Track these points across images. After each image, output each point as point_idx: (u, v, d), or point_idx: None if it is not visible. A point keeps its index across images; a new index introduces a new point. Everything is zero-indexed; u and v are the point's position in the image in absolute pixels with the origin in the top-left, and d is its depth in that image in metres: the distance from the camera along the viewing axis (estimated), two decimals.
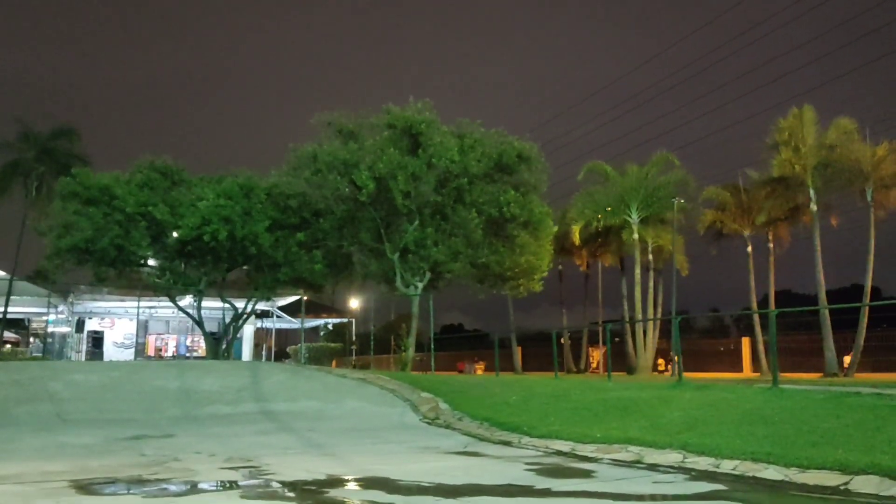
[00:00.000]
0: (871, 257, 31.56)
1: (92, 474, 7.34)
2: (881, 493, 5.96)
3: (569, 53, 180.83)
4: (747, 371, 37.00)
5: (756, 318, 36.06)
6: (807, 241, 33.80)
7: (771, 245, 36.58)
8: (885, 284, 54.09)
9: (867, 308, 30.79)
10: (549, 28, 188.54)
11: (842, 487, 6.24)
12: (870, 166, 31.20)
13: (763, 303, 38.07)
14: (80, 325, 42.06)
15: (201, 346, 37.49)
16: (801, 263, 39.41)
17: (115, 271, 27.71)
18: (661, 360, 39.48)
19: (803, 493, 6.25)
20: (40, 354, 38.04)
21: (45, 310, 37.81)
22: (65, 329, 41.08)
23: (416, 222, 25.24)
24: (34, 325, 45.30)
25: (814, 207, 32.58)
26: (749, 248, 36.79)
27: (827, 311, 31.17)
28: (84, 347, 41.64)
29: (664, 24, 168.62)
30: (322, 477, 7.20)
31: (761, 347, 34.93)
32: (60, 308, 39.11)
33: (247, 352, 42.66)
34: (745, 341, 38.90)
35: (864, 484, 6.18)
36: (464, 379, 22.46)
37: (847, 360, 31.58)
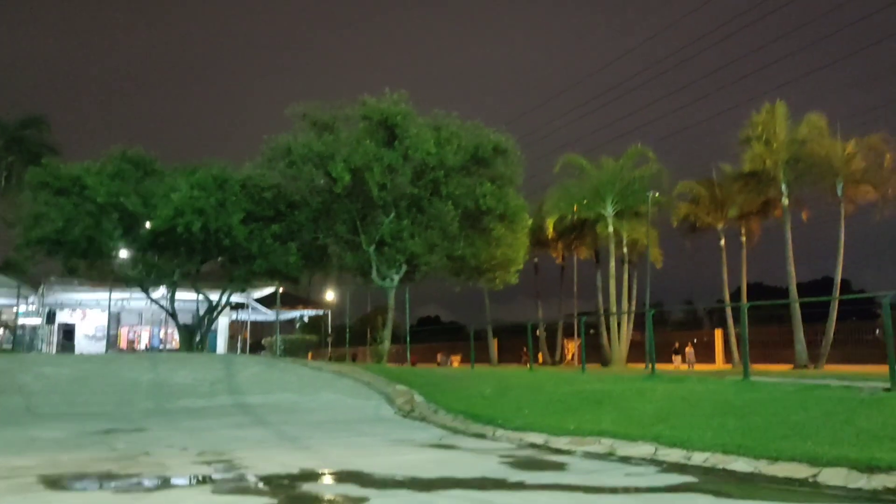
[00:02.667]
0: (841, 251, 32.05)
1: (62, 469, 7.25)
2: (849, 486, 6.06)
3: (544, 46, 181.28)
4: (720, 363, 37.46)
5: (728, 310, 36.50)
6: (778, 234, 34.28)
7: (743, 238, 37.05)
8: (854, 278, 55.01)
9: (837, 301, 31.24)
10: (525, 19, 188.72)
11: (810, 479, 6.34)
12: (840, 162, 31.63)
13: (736, 295, 38.47)
14: (50, 317, 41.33)
15: (175, 339, 37.08)
16: (772, 257, 39.73)
17: (87, 262, 27.39)
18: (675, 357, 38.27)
19: (773, 485, 6.34)
20: (10, 347, 37.38)
21: (14, 301, 37.19)
22: (35, 321, 40.41)
23: (392, 214, 25.16)
24: (3, 316, 44.45)
25: (785, 202, 33.00)
26: (722, 242, 37.23)
27: (798, 304, 31.60)
28: (55, 339, 41.01)
29: (640, 17, 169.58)
30: (296, 471, 7.18)
31: (734, 339, 35.35)
32: (31, 299, 38.46)
33: (221, 344, 42.23)
34: (718, 333, 39.33)
35: (832, 476, 6.27)
36: (439, 371, 22.51)
37: None
